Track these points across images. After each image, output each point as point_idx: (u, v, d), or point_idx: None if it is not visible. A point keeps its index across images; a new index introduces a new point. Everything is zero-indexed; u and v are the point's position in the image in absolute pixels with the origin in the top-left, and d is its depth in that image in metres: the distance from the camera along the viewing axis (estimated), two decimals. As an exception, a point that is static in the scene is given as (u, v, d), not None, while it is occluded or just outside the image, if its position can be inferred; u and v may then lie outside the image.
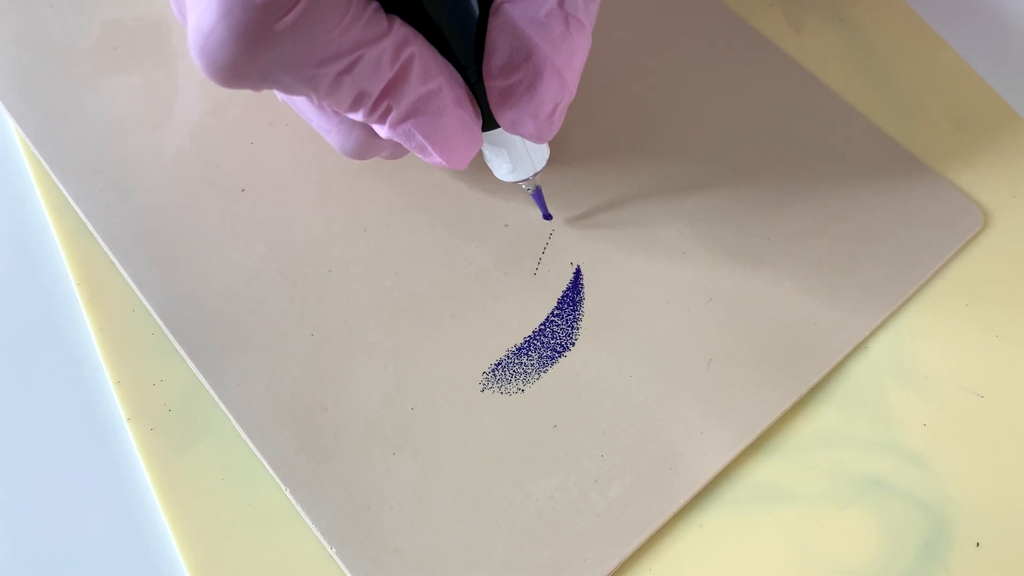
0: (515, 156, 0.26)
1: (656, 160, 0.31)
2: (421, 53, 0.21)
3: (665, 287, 0.28)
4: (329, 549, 0.24)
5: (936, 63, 0.34)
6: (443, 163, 0.23)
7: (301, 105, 0.24)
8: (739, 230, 0.29)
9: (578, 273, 0.29)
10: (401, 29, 0.21)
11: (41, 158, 0.30)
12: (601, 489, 0.25)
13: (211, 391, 0.27)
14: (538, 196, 0.29)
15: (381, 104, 0.21)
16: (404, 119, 0.22)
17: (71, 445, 0.27)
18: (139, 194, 0.30)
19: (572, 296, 0.28)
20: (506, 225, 0.30)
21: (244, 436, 0.26)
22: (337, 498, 0.25)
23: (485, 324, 0.28)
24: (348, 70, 0.20)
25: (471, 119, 0.23)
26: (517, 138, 0.25)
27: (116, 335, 0.28)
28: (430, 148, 0.23)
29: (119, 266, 0.28)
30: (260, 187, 0.30)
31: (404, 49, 0.21)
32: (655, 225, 0.30)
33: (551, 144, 0.28)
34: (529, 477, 0.25)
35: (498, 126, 0.24)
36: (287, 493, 0.25)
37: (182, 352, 0.27)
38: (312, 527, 0.25)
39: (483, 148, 0.26)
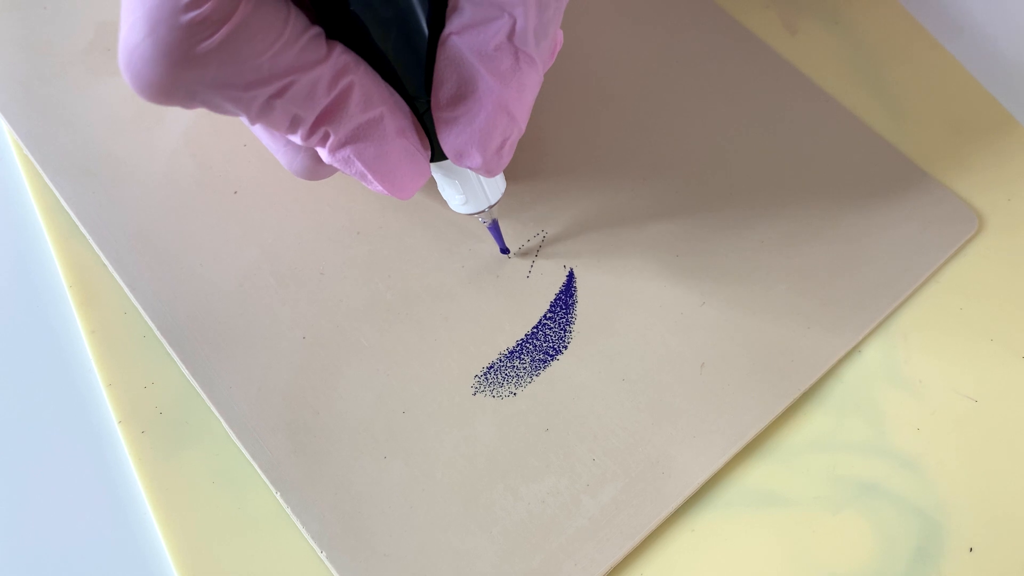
0: (468, 188, 0.25)
1: (649, 163, 0.31)
2: (362, 81, 0.21)
3: (658, 290, 0.28)
4: (319, 553, 0.24)
5: (931, 66, 0.34)
6: (385, 191, 0.23)
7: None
8: (733, 233, 0.29)
9: (571, 276, 0.29)
10: (342, 56, 0.20)
11: (34, 159, 0.30)
12: (593, 493, 0.25)
13: (202, 394, 0.26)
14: (494, 229, 0.28)
15: (318, 129, 0.21)
16: (343, 145, 0.21)
17: (62, 447, 0.27)
18: (132, 196, 0.30)
19: (565, 299, 0.28)
20: (499, 228, 0.29)
21: (235, 439, 0.26)
22: (328, 502, 0.25)
23: (477, 327, 0.28)
24: (279, 94, 0.20)
25: (416, 149, 0.22)
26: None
27: (108, 337, 0.28)
28: (370, 176, 0.22)
29: (111, 268, 0.28)
30: (253, 189, 0.30)
31: (343, 76, 0.20)
32: (648, 228, 0.29)
33: (506, 173, 0.27)
34: (521, 481, 0.25)
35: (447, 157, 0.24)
36: (278, 496, 0.25)
37: (174, 355, 0.27)
38: (303, 531, 0.25)
39: (436, 178, 0.26)
